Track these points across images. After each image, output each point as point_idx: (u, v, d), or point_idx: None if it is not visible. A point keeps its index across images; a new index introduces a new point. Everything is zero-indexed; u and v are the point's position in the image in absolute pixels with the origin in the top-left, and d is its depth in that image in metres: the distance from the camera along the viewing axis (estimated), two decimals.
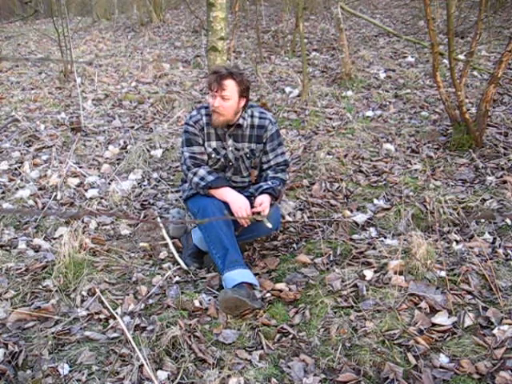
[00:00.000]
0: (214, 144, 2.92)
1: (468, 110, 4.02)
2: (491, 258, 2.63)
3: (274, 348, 2.26)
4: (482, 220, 3.03)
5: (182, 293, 2.59)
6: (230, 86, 2.78)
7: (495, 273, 2.49)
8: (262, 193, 2.82)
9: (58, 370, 2.09)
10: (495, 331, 2.16)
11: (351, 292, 2.51)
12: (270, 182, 2.88)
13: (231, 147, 2.93)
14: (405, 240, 2.79)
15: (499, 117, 4.40)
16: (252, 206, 2.77)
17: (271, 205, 2.81)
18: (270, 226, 2.71)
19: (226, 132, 2.91)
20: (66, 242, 2.75)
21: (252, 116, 2.94)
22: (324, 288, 2.57)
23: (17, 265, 2.83)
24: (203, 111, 2.92)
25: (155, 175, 3.97)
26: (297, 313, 2.47)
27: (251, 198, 2.83)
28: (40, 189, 3.73)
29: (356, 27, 8.75)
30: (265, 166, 2.99)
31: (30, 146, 4.45)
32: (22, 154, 4.30)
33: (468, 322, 2.24)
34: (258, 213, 2.73)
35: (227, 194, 2.81)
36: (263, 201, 2.77)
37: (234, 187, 2.93)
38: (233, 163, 2.95)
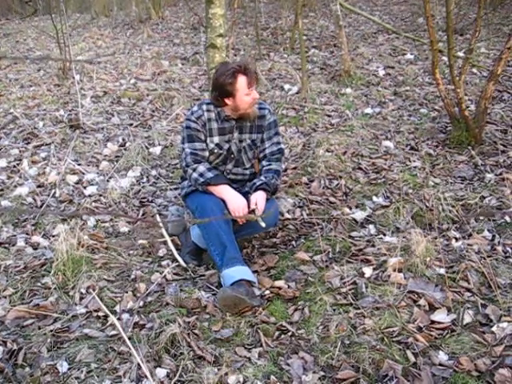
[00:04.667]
0: (216, 139, 2.90)
1: (467, 107, 4.02)
2: (490, 255, 2.63)
3: (273, 345, 2.26)
4: (481, 217, 3.03)
5: (181, 290, 2.59)
6: None
7: (494, 270, 2.49)
8: (256, 190, 2.82)
9: (56, 368, 2.09)
10: (494, 328, 2.16)
11: (350, 289, 2.50)
12: (263, 177, 2.87)
13: (236, 139, 2.93)
14: (404, 237, 2.79)
15: (498, 114, 4.40)
16: (249, 204, 2.77)
17: (267, 199, 2.81)
18: (263, 225, 2.71)
19: (233, 125, 2.91)
20: (64, 239, 2.74)
21: None
22: (323, 285, 2.57)
23: (15, 262, 2.83)
24: (204, 107, 2.90)
25: (154, 172, 3.97)
26: (296, 310, 2.47)
27: (248, 195, 2.82)
28: (39, 186, 3.72)
29: (355, 24, 8.73)
30: (261, 155, 2.99)
31: (28, 143, 4.44)
32: (20, 151, 4.29)
33: (467, 319, 2.24)
34: (253, 210, 2.72)
35: (225, 191, 2.80)
36: (257, 199, 2.76)
37: (234, 180, 2.93)
38: (235, 155, 2.95)
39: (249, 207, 2.75)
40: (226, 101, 2.82)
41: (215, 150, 2.91)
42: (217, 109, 2.88)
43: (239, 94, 2.77)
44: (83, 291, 2.59)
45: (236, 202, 2.75)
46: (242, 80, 2.76)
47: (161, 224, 3.10)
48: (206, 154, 2.90)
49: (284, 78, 6.01)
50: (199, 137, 2.88)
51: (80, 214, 3.23)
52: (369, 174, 3.73)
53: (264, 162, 2.95)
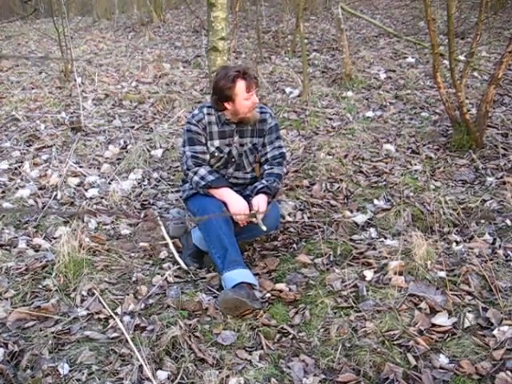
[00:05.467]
0: (216, 143, 2.91)
1: (468, 110, 4.02)
2: (491, 258, 2.63)
3: (274, 348, 2.26)
4: (482, 221, 3.03)
5: (182, 293, 2.59)
6: None
7: (495, 273, 2.49)
8: (257, 193, 2.82)
9: (57, 370, 2.09)
10: (495, 332, 2.16)
11: (351, 292, 2.51)
12: (264, 181, 2.88)
13: (236, 143, 2.93)
14: (405, 240, 2.79)
15: (499, 118, 4.40)
16: (250, 208, 2.77)
17: (269, 203, 2.81)
18: (264, 228, 2.71)
19: (234, 129, 2.91)
20: (65, 241, 2.74)
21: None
22: (324, 288, 2.57)
23: (17, 264, 2.83)
24: (205, 110, 2.90)
25: (155, 175, 3.97)
26: (297, 313, 2.47)
27: (249, 198, 2.83)
28: (40, 188, 3.72)
29: (356, 28, 8.75)
30: (262, 160, 2.99)
31: (30, 145, 4.45)
32: (22, 153, 4.29)
33: (468, 322, 2.24)
34: (255, 215, 2.73)
35: (226, 194, 2.80)
36: (259, 202, 2.77)
37: (235, 184, 2.93)
38: (235, 159, 2.95)
39: (250, 210, 2.76)
40: (226, 105, 2.82)
41: (216, 154, 2.91)
42: (217, 112, 2.88)
43: (238, 98, 2.78)
44: (84, 293, 2.59)
45: (237, 205, 2.76)
46: (241, 84, 2.76)
47: (162, 225, 3.11)
48: (207, 157, 2.91)
49: (285, 81, 6.02)
50: (200, 140, 2.88)
51: (82, 213, 3.23)
52: (370, 178, 3.73)
53: (266, 166, 2.96)
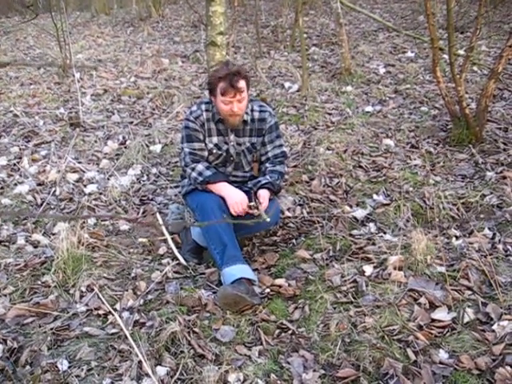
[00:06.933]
0: (215, 139, 2.90)
1: (468, 105, 4.01)
2: (491, 253, 2.62)
3: (274, 344, 2.26)
4: (482, 215, 3.03)
5: (181, 288, 2.58)
6: (243, 85, 2.75)
7: (495, 268, 2.49)
8: (260, 188, 2.82)
9: (56, 366, 2.09)
10: (495, 327, 2.16)
11: (351, 287, 2.50)
12: (268, 177, 2.87)
13: (233, 142, 2.92)
14: (404, 235, 2.79)
15: (499, 112, 4.39)
16: (250, 201, 2.76)
17: (270, 199, 2.81)
18: (267, 219, 2.70)
19: (227, 127, 2.90)
20: (64, 237, 2.74)
21: (252, 110, 2.94)
22: (323, 283, 2.57)
23: (16, 260, 2.83)
24: (203, 106, 2.90)
25: (154, 170, 3.96)
26: (296, 308, 2.47)
27: (250, 193, 2.82)
28: (39, 184, 3.72)
29: (355, 22, 8.72)
30: (263, 158, 2.98)
31: (28, 141, 4.44)
32: (20, 149, 4.28)
33: (467, 317, 2.24)
34: (256, 207, 2.72)
35: (224, 188, 2.80)
36: (264, 196, 2.77)
37: (234, 182, 2.93)
38: (234, 158, 2.95)
39: (250, 201, 2.75)
40: (212, 98, 2.85)
41: (214, 151, 2.91)
42: (213, 109, 2.88)
43: (217, 98, 2.79)
44: (83, 289, 2.59)
45: (235, 198, 2.75)
46: (220, 86, 2.74)
47: (161, 222, 3.10)
48: (205, 153, 2.91)
49: (284, 76, 6.01)
50: (198, 137, 2.88)
51: (79, 218, 3.22)
52: (369, 172, 3.73)
53: (267, 164, 2.95)
